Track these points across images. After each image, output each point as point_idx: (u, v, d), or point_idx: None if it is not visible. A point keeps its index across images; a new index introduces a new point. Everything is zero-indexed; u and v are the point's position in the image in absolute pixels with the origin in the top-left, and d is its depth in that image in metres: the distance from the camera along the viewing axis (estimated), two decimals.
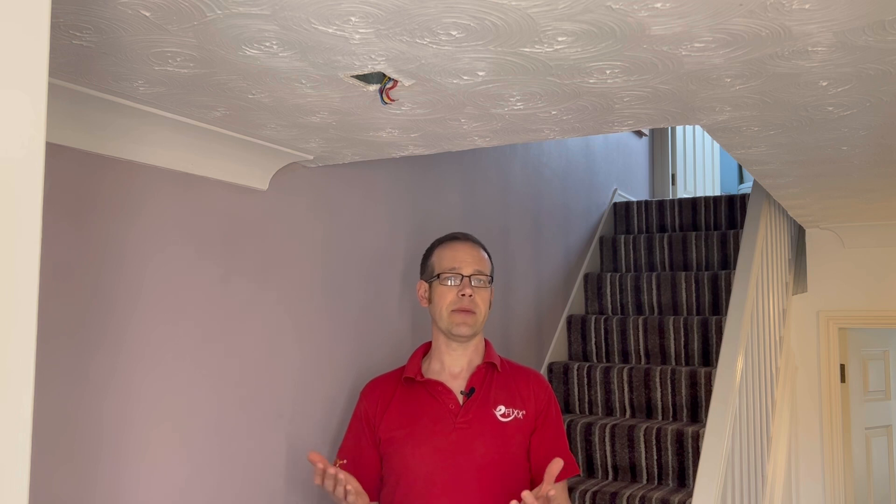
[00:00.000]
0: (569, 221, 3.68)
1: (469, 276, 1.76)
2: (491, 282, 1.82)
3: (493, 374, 1.80)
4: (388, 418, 1.77)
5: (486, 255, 1.85)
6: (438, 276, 1.79)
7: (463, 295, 1.74)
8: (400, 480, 1.72)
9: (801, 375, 3.47)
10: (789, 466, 3.24)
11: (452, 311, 1.75)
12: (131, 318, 1.53)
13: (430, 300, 1.81)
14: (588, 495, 2.70)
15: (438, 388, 1.76)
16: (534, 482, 1.77)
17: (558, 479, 1.75)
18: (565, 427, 2.33)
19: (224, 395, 1.74)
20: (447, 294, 1.76)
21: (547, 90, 1.38)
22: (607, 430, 2.91)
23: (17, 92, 0.63)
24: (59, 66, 1.22)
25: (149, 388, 1.56)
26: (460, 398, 1.75)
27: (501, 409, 1.75)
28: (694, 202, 4.03)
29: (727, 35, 1.11)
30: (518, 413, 1.75)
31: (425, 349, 1.87)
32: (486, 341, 1.86)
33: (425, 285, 1.83)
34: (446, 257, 1.80)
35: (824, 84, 1.35)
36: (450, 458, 1.69)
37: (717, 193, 5.81)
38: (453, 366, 1.79)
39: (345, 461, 1.79)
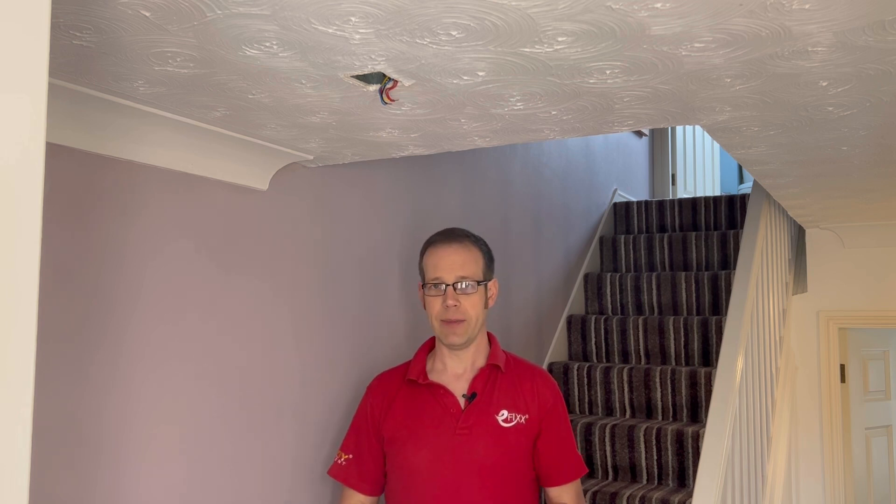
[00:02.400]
0: (569, 221, 3.68)
1: (453, 284, 1.70)
2: (482, 282, 1.74)
3: (496, 377, 1.76)
4: (392, 417, 1.76)
5: (478, 251, 1.77)
6: (425, 285, 1.76)
7: (447, 306, 1.69)
8: (401, 481, 1.73)
9: (801, 375, 3.47)
10: (789, 466, 3.24)
11: (441, 321, 1.71)
12: (131, 317, 1.53)
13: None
14: (588, 495, 2.70)
15: (441, 392, 1.74)
16: (539, 482, 1.78)
17: (569, 480, 1.76)
18: None
19: (224, 395, 1.74)
20: (434, 304, 1.72)
21: (547, 90, 1.38)
22: (607, 430, 2.91)
23: (17, 92, 0.63)
24: (59, 66, 1.21)
25: (149, 387, 1.56)
26: (462, 402, 1.74)
27: (504, 414, 1.72)
28: (694, 202, 4.03)
29: (727, 35, 1.11)
30: (521, 418, 1.73)
31: (430, 345, 1.85)
32: (491, 338, 1.83)
33: (422, 288, 1.80)
34: (430, 265, 1.75)
35: (824, 84, 1.35)
36: (450, 463, 1.68)
37: (717, 193, 5.81)
38: (456, 367, 1.77)
39: (350, 456, 1.79)
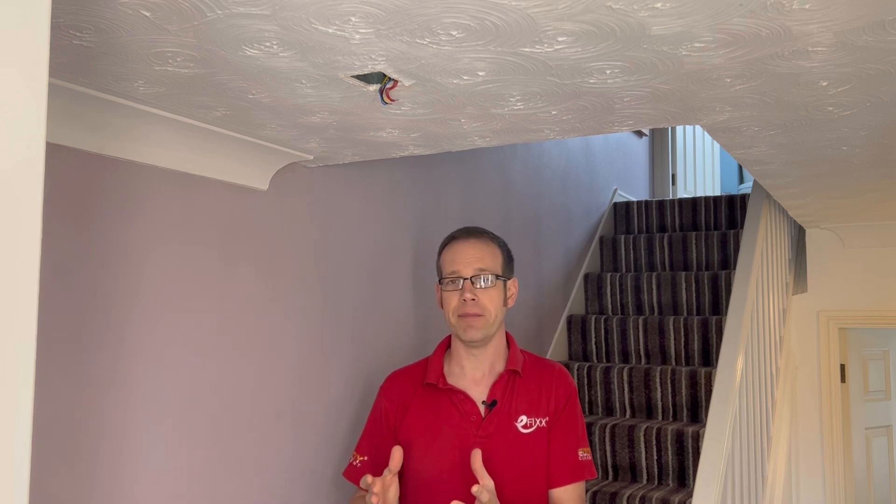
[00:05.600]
0: (569, 221, 3.68)
1: (470, 278, 1.66)
2: (501, 277, 1.70)
3: (515, 381, 1.70)
4: (409, 422, 1.70)
5: (497, 248, 1.73)
6: (441, 280, 1.72)
7: (465, 300, 1.64)
8: (417, 488, 1.66)
9: (801, 375, 3.47)
10: (789, 466, 3.24)
11: (458, 316, 1.66)
12: (131, 318, 1.53)
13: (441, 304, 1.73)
14: (588, 495, 2.70)
15: (460, 398, 1.68)
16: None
17: (563, 483, 1.65)
18: None
19: (223, 395, 1.74)
20: (451, 299, 1.67)
21: (547, 90, 1.38)
22: (607, 430, 2.91)
23: (18, 92, 0.63)
24: (59, 66, 1.21)
25: (148, 388, 1.56)
26: (482, 409, 1.67)
27: (523, 420, 1.66)
28: (694, 202, 4.03)
29: (727, 35, 1.11)
30: (540, 421, 1.67)
31: (447, 344, 1.78)
32: (509, 339, 1.77)
33: (439, 288, 1.75)
34: (447, 260, 1.71)
35: (824, 84, 1.35)
36: (469, 471, 1.56)
37: (717, 193, 5.81)
38: (475, 371, 1.70)
39: (366, 458, 1.74)
